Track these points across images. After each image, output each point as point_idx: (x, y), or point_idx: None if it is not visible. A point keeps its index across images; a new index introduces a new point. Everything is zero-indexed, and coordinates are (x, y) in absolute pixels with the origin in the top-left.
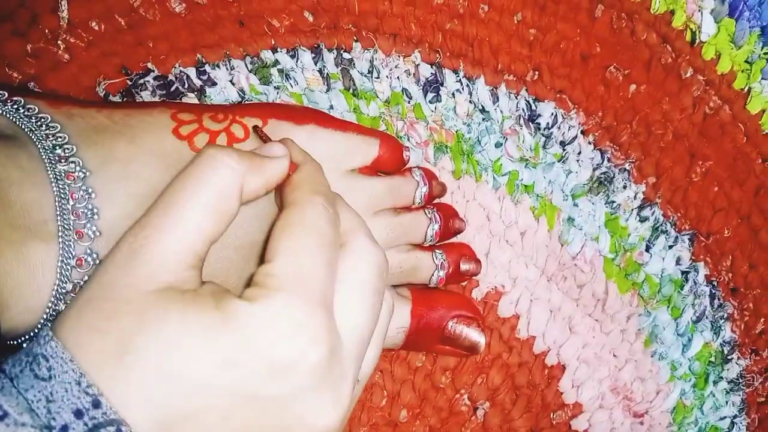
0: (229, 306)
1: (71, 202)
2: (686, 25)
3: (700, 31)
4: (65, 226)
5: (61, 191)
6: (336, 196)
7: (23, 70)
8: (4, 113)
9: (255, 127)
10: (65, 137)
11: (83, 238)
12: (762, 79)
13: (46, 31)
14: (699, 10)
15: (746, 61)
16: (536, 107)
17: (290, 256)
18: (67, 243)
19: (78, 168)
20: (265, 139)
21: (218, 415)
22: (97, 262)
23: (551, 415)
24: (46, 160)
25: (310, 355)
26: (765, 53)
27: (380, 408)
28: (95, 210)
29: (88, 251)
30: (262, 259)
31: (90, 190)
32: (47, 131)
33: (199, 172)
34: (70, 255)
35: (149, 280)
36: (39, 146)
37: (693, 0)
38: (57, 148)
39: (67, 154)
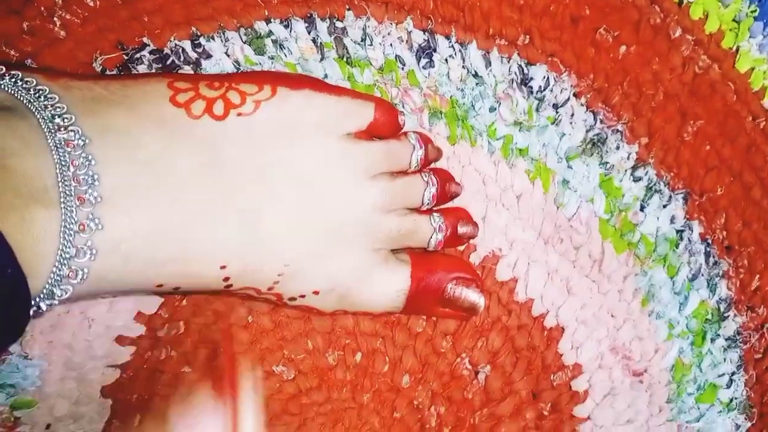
0: None
1: (72, 169)
2: None
3: None
4: (67, 192)
5: (62, 159)
6: None
7: (20, 48)
8: (2, 86)
9: None
10: (64, 107)
11: (84, 203)
12: (750, 37)
13: (42, 8)
14: None
15: (734, 20)
16: (528, 71)
17: None
18: (69, 209)
19: (77, 136)
20: None
21: None
22: (100, 226)
23: (551, 376)
24: (45, 130)
25: None
26: (752, 11)
27: (383, 374)
28: (95, 176)
29: (90, 216)
30: None
31: (90, 157)
32: (46, 102)
33: None
34: (72, 220)
35: None
36: (38, 116)
37: None
38: (56, 117)
39: (66, 123)
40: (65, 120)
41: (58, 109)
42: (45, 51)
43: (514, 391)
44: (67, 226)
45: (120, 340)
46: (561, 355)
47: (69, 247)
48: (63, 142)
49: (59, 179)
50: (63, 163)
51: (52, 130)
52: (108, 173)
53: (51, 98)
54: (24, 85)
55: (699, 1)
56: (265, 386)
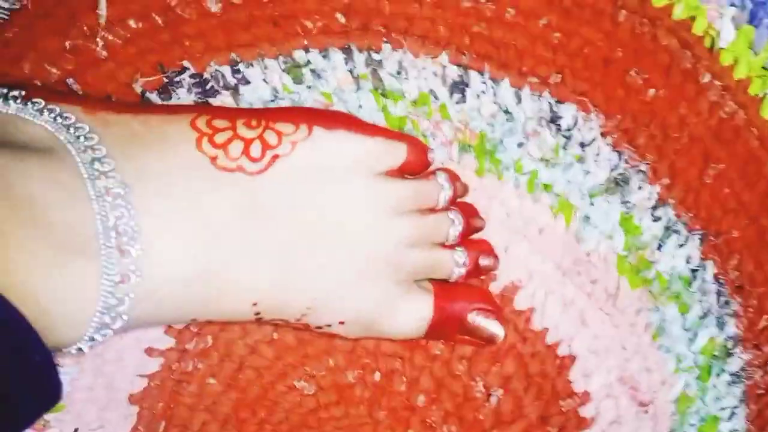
0: None
1: (112, 220)
2: (706, 31)
3: (719, 38)
4: (108, 244)
5: (102, 209)
6: None
7: (62, 66)
8: (42, 123)
9: None
10: (103, 150)
11: (125, 255)
12: None
13: (85, 28)
14: (719, 17)
15: (763, 68)
16: (558, 109)
17: None
18: (110, 261)
19: (117, 184)
20: None
21: None
22: (140, 278)
23: (561, 402)
24: (85, 175)
25: None
26: None
27: (399, 393)
28: (136, 227)
29: (132, 268)
30: None
31: (129, 207)
32: (85, 143)
33: None
34: (113, 272)
35: None
36: (78, 159)
37: (714, 7)
38: (96, 162)
39: (105, 169)
40: (105, 165)
41: (97, 152)
42: (86, 70)
43: (524, 415)
44: (108, 278)
45: (149, 351)
46: (571, 383)
47: (110, 298)
48: (104, 191)
49: (100, 230)
50: (103, 213)
51: (92, 177)
52: (146, 222)
53: (90, 138)
54: (63, 122)
55: (730, 48)
56: (286, 400)
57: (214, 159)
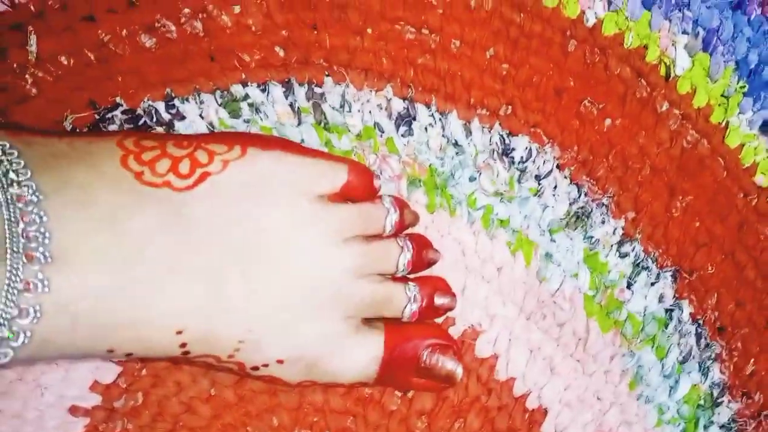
0: None
1: (22, 225)
2: (660, 59)
3: (674, 66)
4: (14, 249)
5: (12, 214)
6: None
7: None
8: None
9: None
10: (21, 162)
11: (33, 261)
12: (739, 113)
13: (15, 65)
14: (672, 45)
15: (723, 95)
16: (510, 141)
17: None
18: (15, 266)
19: (30, 192)
20: None
21: None
22: (46, 287)
23: None
24: None
25: None
26: (741, 87)
27: None
28: (47, 233)
29: (39, 276)
30: None
31: (42, 214)
32: (2, 157)
33: None
34: (17, 279)
35: None
36: None
37: (666, 35)
38: (10, 172)
39: (20, 179)
40: (20, 175)
41: (14, 164)
42: (15, 107)
43: None
44: (12, 285)
45: (73, 410)
46: None
47: (11, 307)
48: (14, 197)
49: (7, 235)
50: (13, 218)
51: (5, 185)
52: (61, 230)
53: (10, 153)
54: None
55: (686, 75)
56: None
57: (139, 174)
